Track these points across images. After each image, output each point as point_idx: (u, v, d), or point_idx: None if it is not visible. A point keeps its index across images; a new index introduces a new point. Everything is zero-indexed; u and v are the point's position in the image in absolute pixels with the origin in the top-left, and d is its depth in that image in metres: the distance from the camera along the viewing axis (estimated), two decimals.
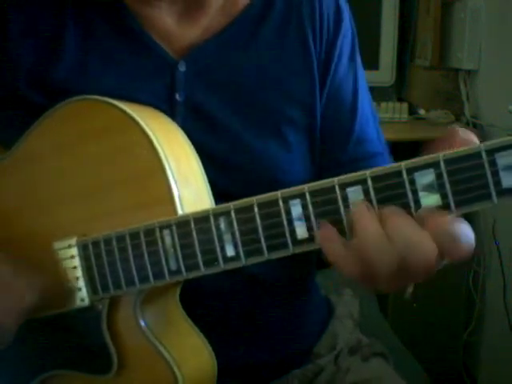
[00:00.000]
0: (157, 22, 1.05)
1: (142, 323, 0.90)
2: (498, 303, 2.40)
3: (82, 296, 0.91)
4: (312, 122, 1.11)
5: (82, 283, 0.91)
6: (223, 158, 1.04)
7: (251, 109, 1.07)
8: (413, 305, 2.47)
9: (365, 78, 1.19)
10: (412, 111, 2.71)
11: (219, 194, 0.95)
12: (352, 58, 1.15)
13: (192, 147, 0.95)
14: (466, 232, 0.70)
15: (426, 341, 2.52)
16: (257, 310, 1.12)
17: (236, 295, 1.09)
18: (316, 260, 1.26)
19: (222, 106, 1.05)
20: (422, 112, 2.72)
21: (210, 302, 1.06)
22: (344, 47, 1.13)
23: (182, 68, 1.04)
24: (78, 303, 0.92)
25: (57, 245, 0.93)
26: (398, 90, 2.76)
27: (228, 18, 1.08)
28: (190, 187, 0.90)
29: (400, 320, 2.48)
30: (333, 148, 1.14)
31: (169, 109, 1.03)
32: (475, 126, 2.62)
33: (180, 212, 0.86)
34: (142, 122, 0.88)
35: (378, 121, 1.20)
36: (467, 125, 2.65)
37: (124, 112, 0.90)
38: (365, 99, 1.17)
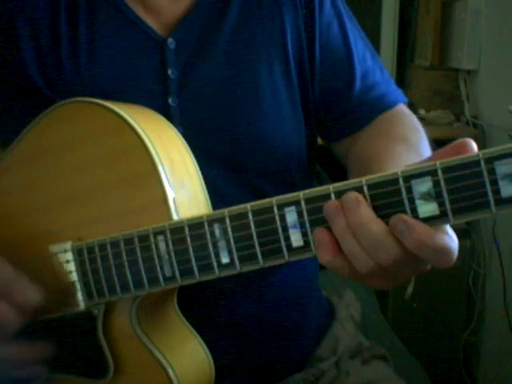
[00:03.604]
0: None
1: (138, 328, 0.90)
2: (498, 303, 2.40)
3: (78, 301, 0.91)
4: (303, 75, 1.11)
5: (77, 288, 0.91)
6: (222, 128, 1.05)
7: (242, 74, 1.07)
8: (413, 305, 2.47)
9: (355, 22, 1.19)
10: (412, 111, 2.70)
11: (219, 164, 0.99)
12: (334, 4, 1.15)
13: (187, 147, 0.95)
14: (447, 245, 0.69)
15: (426, 341, 2.52)
16: (258, 311, 1.12)
17: (237, 297, 1.09)
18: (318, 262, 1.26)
19: (214, 77, 1.06)
20: (422, 112, 2.72)
21: (211, 305, 1.06)
22: None
23: (172, 46, 1.04)
24: (74, 308, 0.91)
25: (52, 249, 0.92)
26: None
27: None
28: (185, 190, 0.89)
29: (400, 320, 2.48)
30: (340, 91, 1.14)
31: (163, 86, 1.04)
32: (475, 126, 2.61)
33: (175, 215, 0.85)
34: (135, 125, 0.88)
35: (378, 58, 1.21)
36: (467, 125, 2.65)
37: (118, 115, 0.89)
38: (357, 38, 1.17)
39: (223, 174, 1.01)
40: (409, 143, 1.04)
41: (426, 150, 1.02)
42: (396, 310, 2.52)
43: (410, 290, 2.38)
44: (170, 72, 1.04)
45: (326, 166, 1.34)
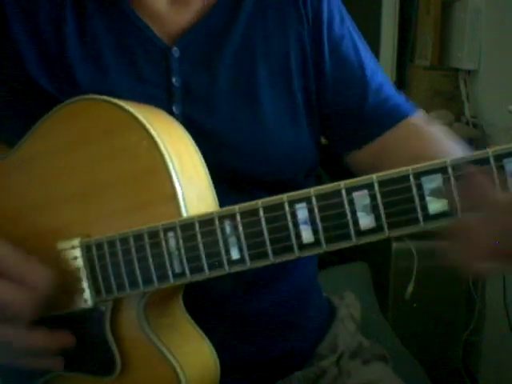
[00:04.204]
0: (149, 6, 1.06)
1: (146, 325, 0.90)
2: (498, 303, 2.40)
3: (86, 297, 0.91)
4: (308, 85, 1.12)
5: (85, 284, 0.91)
6: (224, 137, 1.05)
7: (246, 83, 1.08)
8: (413, 305, 2.47)
9: (361, 37, 1.20)
10: None
11: (222, 173, 0.97)
12: (342, 22, 1.16)
13: (194, 144, 0.95)
14: None
15: (426, 341, 2.52)
16: (259, 311, 1.12)
17: (238, 296, 1.09)
18: (318, 261, 1.26)
19: (218, 86, 1.06)
20: (421, 112, 2.71)
21: (212, 303, 1.06)
22: (332, 11, 1.14)
23: (176, 54, 1.05)
24: (81, 304, 0.91)
25: (60, 245, 0.92)
26: (398, 90, 2.75)
27: None
28: (193, 186, 0.90)
29: (400, 320, 2.48)
30: (352, 106, 1.15)
31: (167, 94, 1.04)
32: (475, 126, 2.62)
33: (184, 211, 0.85)
34: (145, 122, 0.88)
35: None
36: (467, 125, 2.65)
37: (127, 111, 0.90)
38: (367, 54, 1.18)
39: (223, 184, 1.00)
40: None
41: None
42: (396, 310, 2.52)
43: (409, 289, 2.38)
44: (174, 80, 1.04)
45: (325, 166, 1.35)
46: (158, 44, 1.06)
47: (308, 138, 1.13)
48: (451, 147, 1.06)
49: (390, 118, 1.14)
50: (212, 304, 1.07)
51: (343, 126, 1.16)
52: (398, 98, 1.18)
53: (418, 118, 1.17)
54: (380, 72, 1.19)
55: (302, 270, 1.19)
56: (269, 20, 1.10)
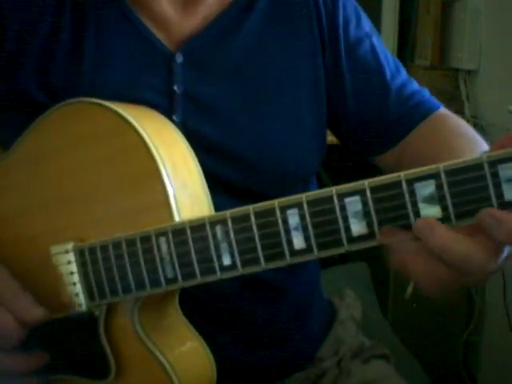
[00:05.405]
0: (155, 12, 1.05)
1: (139, 329, 0.90)
2: (498, 303, 2.40)
3: (79, 302, 0.91)
4: (318, 99, 1.11)
5: (79, 289, 0.90)
6: (225, 147, 1.04)
7: (251, 94, 1.07)
8: (413, 305, 2.47)
9: (378, 36, 1.20)
10: None
11: (222, 184, 0.97)
12: (359, 24, 1.16)
13: (189, 146, 0.94)
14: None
15: (426, 341, 2.52)
16: (260, 312, 1.12)
17: (239, 298, 1.09)
18: (319, 263, 1.26)
19: (221, 95, 1.05)
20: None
21: (213, 304, 1.06)
22: (348, 14, 1.14)
23: (179, 60, 1.04)
24: (75, 309, 0.91)
25: (54, 249, 0.92)
26: None
27: (221, 6, 1.08)
28: (186, 190, 0.89)
29: (400, 320, 2.48)
30: (374, 110, 1.15)
31: (168, 101, 1.03)
32: (475, 126, 2.61)
33: (176, 216, 0.85)
34: (137, 126, 0.88)
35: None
36: None
37: (119, 115, 0.89)
38: (386, 55, 1.17)
39: (220, 194, 0.98)
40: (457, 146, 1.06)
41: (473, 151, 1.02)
42: (396, 310, 2.52)
43: (409, 290, 2.37)
44: (175, 87, 1.03)
45: (325, 165, 1.35)
46: (161, 48, 1.04)
47: (312, 150, 1.12)
48: (470, 140, 1.05)
49: (413, 118, 1.14)
50: (212, 306, 1.07)
51: (367, 132, 1.16)
52: (420, 94, 1.17)
53: (441, 112, 1.16)
54: (402, 71, 1.18)
55: (304, 274, 1.19)
56: (279, 29, 1.09)
